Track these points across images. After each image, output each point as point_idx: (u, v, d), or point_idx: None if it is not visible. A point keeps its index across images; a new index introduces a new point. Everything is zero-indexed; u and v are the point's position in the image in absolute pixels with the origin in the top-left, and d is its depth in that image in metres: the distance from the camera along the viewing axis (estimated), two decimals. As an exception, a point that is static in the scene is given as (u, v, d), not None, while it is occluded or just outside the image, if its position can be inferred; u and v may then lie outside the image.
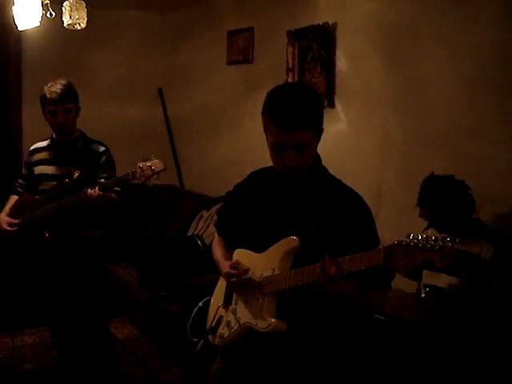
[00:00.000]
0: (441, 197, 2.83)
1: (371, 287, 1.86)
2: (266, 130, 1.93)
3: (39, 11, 3.15)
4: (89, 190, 2.91)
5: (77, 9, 3.12)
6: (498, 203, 3.06)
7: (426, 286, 2.80)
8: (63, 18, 3.18)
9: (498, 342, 2.58)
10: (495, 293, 2.63)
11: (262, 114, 1.93)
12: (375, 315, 2.53)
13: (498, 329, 2.59)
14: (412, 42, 3.48)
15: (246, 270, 2.00)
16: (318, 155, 2.03)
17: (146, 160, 2.90)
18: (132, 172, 2.89)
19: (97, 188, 2.90)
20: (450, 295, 2.73)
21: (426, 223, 2.97)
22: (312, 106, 1.87)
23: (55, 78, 3.22)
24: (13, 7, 3.16)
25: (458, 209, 2.83)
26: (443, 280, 2.79)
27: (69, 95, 3.12)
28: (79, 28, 3.21)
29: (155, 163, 2.90)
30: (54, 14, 3.18)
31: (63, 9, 3.17)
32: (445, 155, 3.31)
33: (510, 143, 3.02)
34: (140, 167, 2.87)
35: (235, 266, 2.03)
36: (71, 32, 3.43)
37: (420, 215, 2.92)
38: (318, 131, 1.91)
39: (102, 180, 2.97)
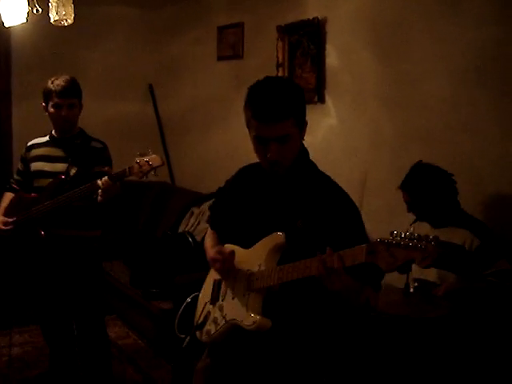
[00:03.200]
0: (419, 183, 2.88)
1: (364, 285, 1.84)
2: (248, 124, 1.93)
3: (25, 7, 3.13)
4: (98, 181, 2.81)
5: (63, 5, 3.09)
6: (489, 198, 3.06)
7: (414, 280, 2.80)
8: (50, 14, 3.15)
9: (487, 337, 2.59)
10: (491, 285, 2.63)
11: (244, 108, 1.92)
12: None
13: (488, 324, 2.59)
14: (403, 36, 3.47)
15: (231, 255, 1.97)
16: (305, 149, 2.02)
17: (143, 155, 2.80)
18: (129, 168, 2.79)
19: (106, 177, 2.80)
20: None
21: (413, 218, 2.99)
22: (292, 98, 1.86)
23: (45, 74, 3.18)
24: (-2, 3, 3.14)
25: (438, 198, 2.84)
26: (433, 273, 2.79)
27: (74, 90, 3.07)
28: (66, 24, 3.19)
29: (153, 158, 2.79)
30: (40, 10, 3.16)
31: (50, 5, 3.15)
32: (436, 150, 3.30)
33: (502, 138, 3.02)
34: (137, 162, 2.78)
35: (221, 251, 2.00)
36: (61, 28, 3.40)
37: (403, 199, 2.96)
38: (300, 124, 1.90)
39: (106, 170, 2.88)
